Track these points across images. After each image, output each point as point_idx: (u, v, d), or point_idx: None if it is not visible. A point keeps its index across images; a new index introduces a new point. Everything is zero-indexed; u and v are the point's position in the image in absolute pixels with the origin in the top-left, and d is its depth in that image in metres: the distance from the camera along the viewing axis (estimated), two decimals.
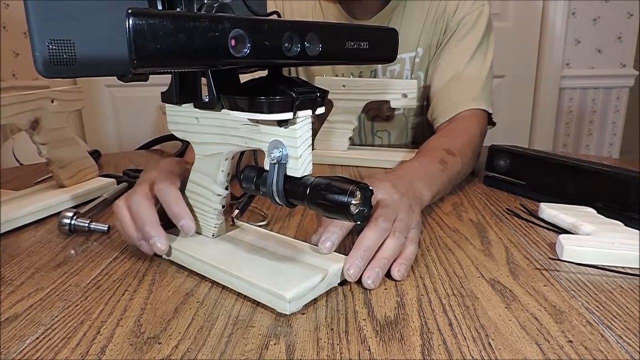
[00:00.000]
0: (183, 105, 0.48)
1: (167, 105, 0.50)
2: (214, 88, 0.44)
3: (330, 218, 0.43)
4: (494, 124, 0.93)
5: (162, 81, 0.50)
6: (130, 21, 0.29)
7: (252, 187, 0.44)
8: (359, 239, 0.46)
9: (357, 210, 0.40)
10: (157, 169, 0.55)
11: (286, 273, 0.44)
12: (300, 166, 0.41)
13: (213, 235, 0.51)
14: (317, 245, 0.48)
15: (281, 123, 0.41)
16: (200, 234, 0.52)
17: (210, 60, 0.34)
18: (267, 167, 0.43)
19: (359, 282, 0.45)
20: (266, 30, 0.36)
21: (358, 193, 0.39)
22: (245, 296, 0.44)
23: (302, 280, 0.42)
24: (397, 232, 0.48)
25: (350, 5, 0.94)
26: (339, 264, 0.45)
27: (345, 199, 0.38)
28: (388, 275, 0.47)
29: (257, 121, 0.42)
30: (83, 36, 0.41)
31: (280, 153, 0.41)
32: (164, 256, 0.51)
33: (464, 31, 0.90)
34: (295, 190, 0.41)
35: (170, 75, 0.46)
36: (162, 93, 0.49)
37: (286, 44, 0.37)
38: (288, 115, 0.39)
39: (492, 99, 0.90)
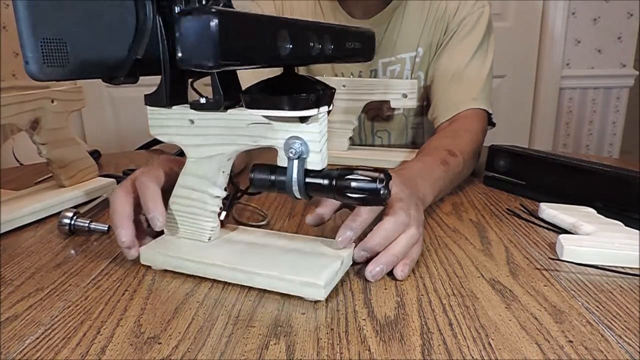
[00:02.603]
0: (173, 107, 0.47)
1: (150, 108, 0.48)
2: (220, 88, 0.44)
3: (359, 205, 0.46)
4: (493, 124, 0.93)
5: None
6: (215, 21, 0.32)
7: (267, 184, 0.45)
8: (377, 227, 0.47)
9: (384, 194, 0.43)
10: (148, 164, 0.55)
11: (307, 263, 0.45)
12: (321, 160, 0.43)
13: (209, 239, 0.50)
14: (313, 224, 0.52)
15: (303, 119, 0.42)
16: (198, 238, 0.51)
17: (274, 60, 0.38)
18: (280, 163, 0.44)
19: (358, 282, 0.45)
20: (304, 31, 0.40)
21: (383, 178, 0.43)
22: (245, 296, 0.44)
23: (325, 267, 0.44)
24: (414, 227, 0.48)
25: (350, 5, 0.94)
26: (349, 249, 0.47)
27: (376, 185, 0.42)
28: (389, 274, 0.47)
29: (271, 118, 0.43)
30: (74, 36, 0.39)
31: (301, 148, 0.43)
32: (167, 268, 0.49)
33: (464, 31, 0.90)
34: (319, 183, 0.43)
35: (152, 78, 0.45)
36: (146, 96, 0.47)
37: (311, 44, 0.41)
38: (313, 112, 0.41)
39: (492, 99, 0.90)
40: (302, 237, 0.52)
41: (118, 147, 2.12)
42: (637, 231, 0.53)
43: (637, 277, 0.46)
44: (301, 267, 0.44)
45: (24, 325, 0.40)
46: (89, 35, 0.40)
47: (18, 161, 1.63)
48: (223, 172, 0.48)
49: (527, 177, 0.73)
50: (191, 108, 0.47)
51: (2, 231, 0.60)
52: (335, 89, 0.44)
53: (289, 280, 0.43)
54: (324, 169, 0.44)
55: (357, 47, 0.50)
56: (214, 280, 0.47)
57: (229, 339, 0.38)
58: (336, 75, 0.98)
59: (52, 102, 0.70)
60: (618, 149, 2.12)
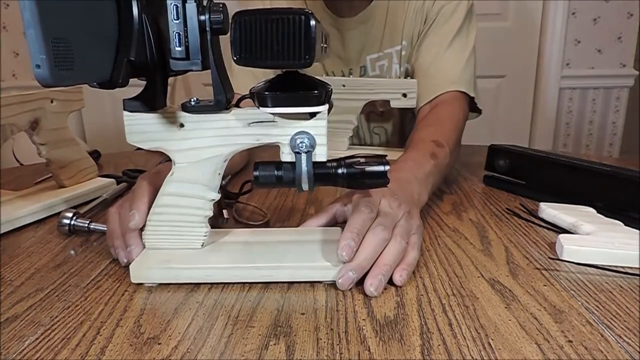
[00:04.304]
0: (159, 111, 0.45)
1: (128, 114, 0.45)
2: (224, 89, 0.45)
3: (367, 188, 0.49)
4: (479, 111, 0.93)
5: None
6: (314, 21, 0.37)
7: (273, 180, 0.46)
8: (359, 249, 0.45)
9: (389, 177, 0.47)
10: (150, 172, 0.55)
11: (320, 250, 0.48)
12: (326, 151, 0.46)
13: (203, 245, 0.49)
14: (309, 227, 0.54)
15: (312, 114, 0.45)
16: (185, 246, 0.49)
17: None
18: (285, 158, 0.46)
19: (358, 282, 0.45)
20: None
21: (387, 161, 0.47)
22: (244, 296, 0.44)
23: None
24: (399, 237, 0.47)
25: (336, 5, 0.94)
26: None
27: (383, 168, 0.46)
28: (389, 281, 0.47)
29: (280, 115, 0.44)
30: (76, 36, 0.38)
31: (309, 142, 0.45)
32: (166, 281, 0.46)
33: (442, 20, 0.91)
34: (328, 173, 0.46)
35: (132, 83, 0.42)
36: (126, 101, 0.45)
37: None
38: (325, 107, 0.43)
39: (475, 84, 0.90)
40: (292, 230, 0.53)
41: (118, 147, 2.11)
42: (637, 231, 0.53)
43: (637, 277, 0.46)
44: (317, 253, 0.47)
45: (23, 326, 0.40)
46: (88, 35, 0.39)
47: (18, 161, 1.63)
48: (219, 174, 0.48)
49: (527, 177, 0.73)
50: (184, 110, 0.45)
51: (2, 231, 0.60)
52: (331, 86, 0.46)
53: (313, 268, 0.45)
54: (328, 160, 0.47)
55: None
56: (242, 282, 0.46)
57: (228, 339, 0.38)
58: (327, 74, 0.98)
59: (52, 102, 0.70)
60: (618, 149, 2.12)
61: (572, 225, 0.56)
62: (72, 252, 0.55)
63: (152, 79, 0.44)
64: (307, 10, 0.37)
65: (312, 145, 0.45)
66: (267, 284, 0.46)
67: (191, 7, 0.42)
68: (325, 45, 0.49)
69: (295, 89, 0.43)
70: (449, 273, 0.48)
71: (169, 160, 0.48)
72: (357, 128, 1.06)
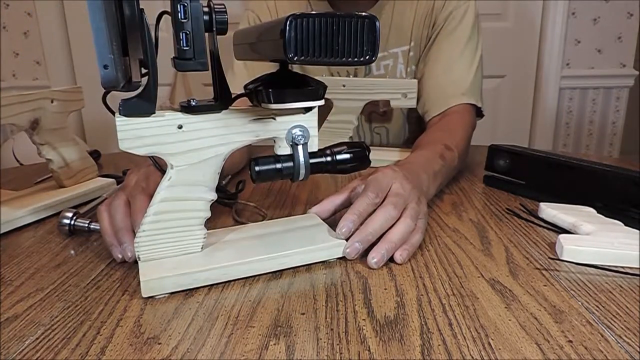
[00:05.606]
0: (157, 113, 0.44)
1: (122, 119, 0.43)
2: (229, 88, 0.45)
3: (352, 172, 0.53)
4: (482, 115, 0.94)
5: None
6: (378, 22, 0.40)
7: (273, 173, 0.48)
8: (366, 222, 0.50)
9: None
10: (139, 174, 0.56)
11: (320, 232, 0.52)
12: (317, 142, 0.50)
13: (202, 248, 0.48)
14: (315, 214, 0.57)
15: (307, 109, 0.48)
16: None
17: None
18: (281, 152, 0.48)
19: (358, 282, 0.45)
20: None
21: (367, 145, 0.54)
22: (244, 296, 0.44)
23: (330, 229, 0.51)
24: (408, 218, 0.50)
25: (340, 6, 0.94)
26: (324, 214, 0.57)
27: (365, 152, 0.52)
28: (390, 274, 0.47)
29: (281, 110, 0.46)
30: (116, 37, 0.37)
31: (304, 134, 0.48)
32: (180, 289, 0.45)
33: (452, 26, 0.91)
34: (321, 161, 0.50)
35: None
36: (124, 105, 0.43)
37: None
38: (322, 102, 0.46)
39: (482, 92, 0.91)
40: (277, 221, 0.56)
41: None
42: (637, 231, 0.53)
43: (637, 277, 0.46)
44: (318, 236, 0.51)
45: (23, 326, 0.40)
46: (118, 38, 0.38)
47: (18, 161, 1.63)
48: (218, 173, 0.48)
49: (526, 177, 0.73)
50: (185, 112, 0.45)
51: (2, 231, 0.60)
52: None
53: (319, 249, 0.49)
54: (319, 150, 0.50)
55: None
56: (256, 275, 0.47)
57: (228, 339, 0.38)
58: (332, 74, 0.98)
59: (52, 102, 0.70)
60: (618, 149, 2.12)
61: (572, 225, 0.56)
62: (72, 252, 0.55)
63: (153, 78, 0.43)
64: (370, 13, 0.40)
65: (307, 137, 0.48)
66: (267, 282, 0.46)
67: (197, 7, 0.41)
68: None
69: (291, 86, 0.44)
70: (449, 273, 0.48)
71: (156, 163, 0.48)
72: (358, 128, 1.06)
